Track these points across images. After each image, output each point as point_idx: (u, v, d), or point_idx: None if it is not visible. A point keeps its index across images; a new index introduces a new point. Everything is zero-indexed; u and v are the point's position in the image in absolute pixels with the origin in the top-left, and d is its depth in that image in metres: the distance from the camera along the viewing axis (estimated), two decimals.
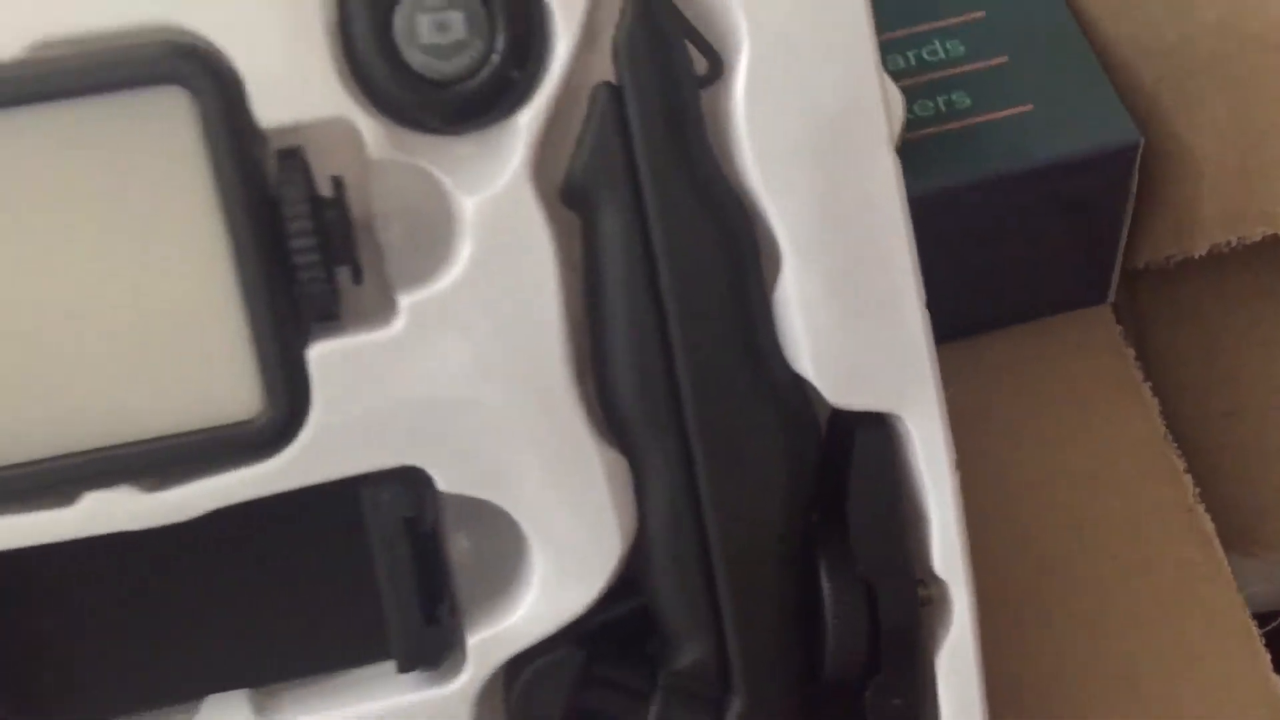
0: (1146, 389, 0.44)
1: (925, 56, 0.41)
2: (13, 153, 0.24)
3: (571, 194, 0.27)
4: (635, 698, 0.28)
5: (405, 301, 0.26)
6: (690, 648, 0.28)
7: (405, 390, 0.26)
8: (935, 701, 0.29)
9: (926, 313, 0.27)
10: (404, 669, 0.27)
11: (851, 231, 0.27)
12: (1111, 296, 0.45)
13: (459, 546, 0.29)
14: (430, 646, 0.27)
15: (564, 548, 0.27)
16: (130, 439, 0.25)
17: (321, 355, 0.26)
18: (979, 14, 0.41)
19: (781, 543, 0.28)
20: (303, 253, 0.25)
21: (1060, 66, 0.41)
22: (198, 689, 0.28)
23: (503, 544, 0.28)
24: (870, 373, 0.27)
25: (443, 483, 0.26)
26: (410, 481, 0.27)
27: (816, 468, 0.28)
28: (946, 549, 0.28)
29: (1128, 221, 0.43)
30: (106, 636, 0.28)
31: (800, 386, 0.27)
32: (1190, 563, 0.40)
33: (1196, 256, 0.41)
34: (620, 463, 0.27)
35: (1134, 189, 0.42)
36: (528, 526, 0.27)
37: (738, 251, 0.27)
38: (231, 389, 0.25)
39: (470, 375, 0.26)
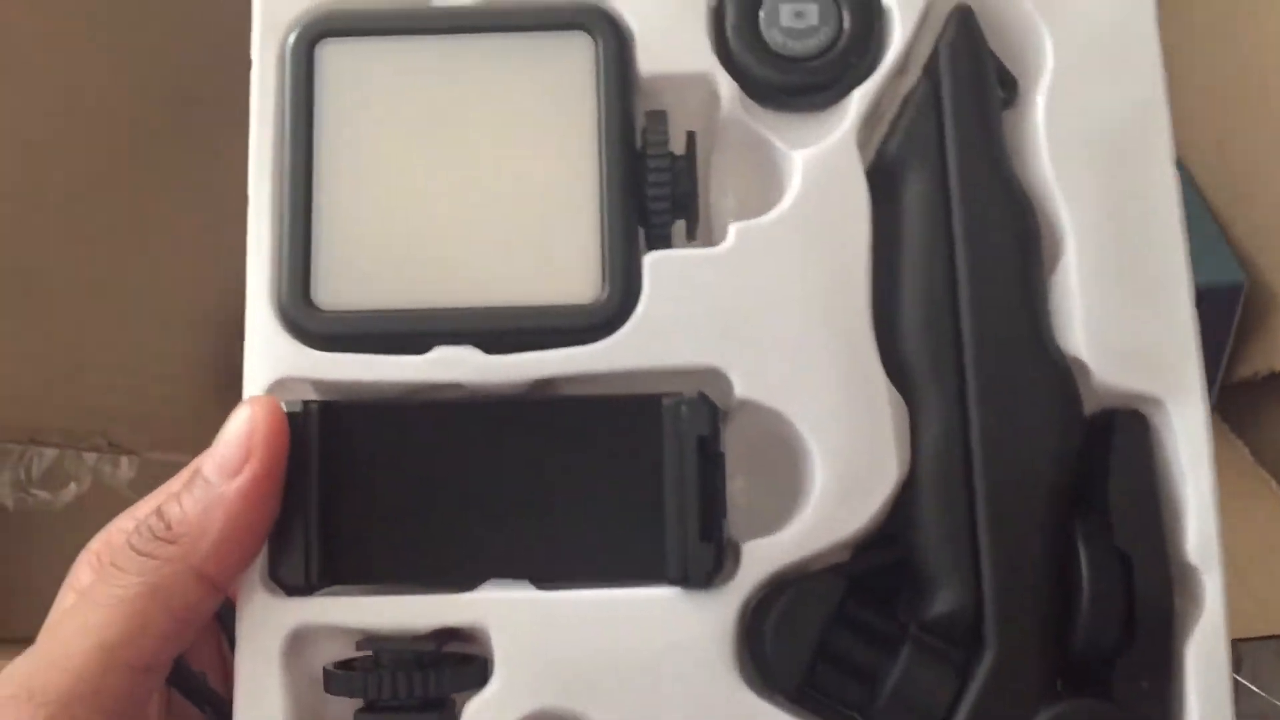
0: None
1: None
2: (466, 67, 0.30)
3: (880, 168, 0.31)
4: (883, 646, 0.29)
5: (734, 228, 0.30)
6: (945, 596, 0.29)
7: (722, 298, 0.30)
8: (1183, 690, 0.29)
9: (1195, 309, 0.30)
10: (675, 582, 0.29)
11: (1132, 227, 0.30)
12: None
13: (736, 485, 0.31)
14: (702, 563, 0.29)
15: (845, 466, 0.29)
16: (486, 304, 0.29)
17: (655, 261, 0.30)
18: None
19: (1044, 503, 0.29)
20: (657, 199, 0.30)
21: None
22: (484, 572, 0.30)
23: (777, 489, 0.30)
24: (1140, 356, 0.30)
25: (740, 387, 0.29)
26: (707, 405, 0.29)
27: (1081, 441, 0.30)
28: (1202, 536, 0.29)
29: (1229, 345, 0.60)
30: (414, 511, 0.30)
31: (1069, 368, 0.30)
32: None
33: None
34: (900, 402, 0.30)
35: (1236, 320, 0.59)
36: (812, 441, 0.29)
37: (1025, 233, 0.30)
38: (578, 276, 0.30)
39: (782, 293, 0.30)
